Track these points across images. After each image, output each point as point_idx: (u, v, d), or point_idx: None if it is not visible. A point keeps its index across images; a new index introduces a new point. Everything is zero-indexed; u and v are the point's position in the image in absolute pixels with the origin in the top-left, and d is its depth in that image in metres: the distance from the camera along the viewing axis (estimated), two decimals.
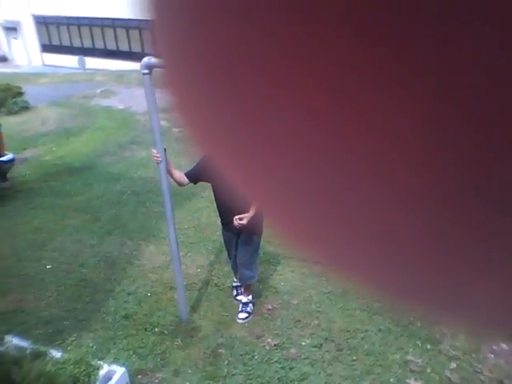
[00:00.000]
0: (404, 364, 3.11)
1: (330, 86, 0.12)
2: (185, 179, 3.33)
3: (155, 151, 3.19)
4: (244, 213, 3.35)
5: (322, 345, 3.35)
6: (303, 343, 3.38)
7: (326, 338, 3.41)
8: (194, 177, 3.33)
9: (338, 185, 0.13)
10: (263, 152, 0.14)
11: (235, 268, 3.73)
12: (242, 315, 3.68)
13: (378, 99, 0.11)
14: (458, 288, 0.15)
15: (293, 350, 3.32)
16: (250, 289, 3.74)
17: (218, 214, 3.57)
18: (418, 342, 3.30)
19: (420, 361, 3.12)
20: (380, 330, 3.44)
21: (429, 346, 3.26)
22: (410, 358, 3.16)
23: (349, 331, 3.46)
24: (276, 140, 0.14)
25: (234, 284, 3.94)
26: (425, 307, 0.18)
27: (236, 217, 3.25)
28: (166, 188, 3.31)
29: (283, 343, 3.39)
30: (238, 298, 3.82)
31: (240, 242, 3.57)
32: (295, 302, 3.83)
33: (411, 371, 3.04)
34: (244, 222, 3.25)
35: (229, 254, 3.77)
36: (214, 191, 3.43)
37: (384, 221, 0.14)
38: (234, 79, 0.13)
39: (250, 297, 3.75)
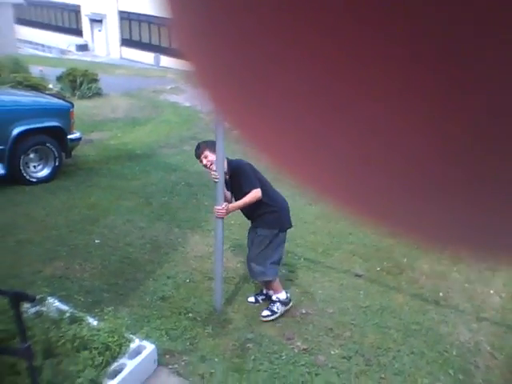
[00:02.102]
0: None
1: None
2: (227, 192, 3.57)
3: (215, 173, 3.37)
4: (257, 221, 3.56)
5: (351, 357, 3.29)
6: (332, 352, 3.34)
7: (357, 352, 3.35)
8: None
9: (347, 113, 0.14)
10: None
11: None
12: (265, 312, 3.68)
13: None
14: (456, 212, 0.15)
15: (321, 357, 3.28)
16: (272, 286, 3.69)
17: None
18: (451, 371, 3.17)
19: None
20: (412, 352, 3.34)
21: (461, 377, 3.13)
22: None
23: (380, 348, 3.39)
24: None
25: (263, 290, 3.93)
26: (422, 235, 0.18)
27: (215, 207, 3.46)
28: (221, 182, 3.39)
29: (312, 349, 3.36)
30: (265, 292, 3.82)
31: (249, 236, 3.72)
32: (330, 311, 3.79)
33: None
34: (222, 211, 3.42)
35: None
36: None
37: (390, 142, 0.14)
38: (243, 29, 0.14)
39: (279, 295, 3.70)
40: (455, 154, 0.13)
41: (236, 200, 3.55)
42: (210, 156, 3.40)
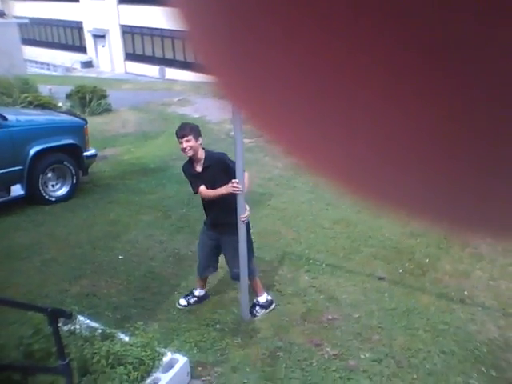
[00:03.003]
0: None
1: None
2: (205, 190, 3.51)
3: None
4: (230, 222, 3.51)
5: (381, 360, 3.31)
6: (362, 356, 3.36)
7: (387, 354, 3.37)
8: (197, 189, 3.52)
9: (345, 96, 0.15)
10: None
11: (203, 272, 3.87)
12: (256, 310, 3.82)
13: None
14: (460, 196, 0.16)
15: (352, 362, 3.30)
16: (257, 286, 3.84)
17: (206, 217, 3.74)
18: (483, 368, 3.18)
19: None
20: (443, 352, 3.35)
21: (494, 374, 3.14)
22: (473, 382, 3.06)
23: (410, 350, 3.40)
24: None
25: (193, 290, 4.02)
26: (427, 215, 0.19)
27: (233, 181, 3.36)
28: (241, 193, 3.43)
29: (342, 354, 3.38)
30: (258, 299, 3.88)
31: (226, 244, 3.69)
32: (356, 316, 3.81)
33: None
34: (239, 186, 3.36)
35: (200, 259, 3.88)
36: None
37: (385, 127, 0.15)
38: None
39: (259, 298, 3.85)
40: (453, 144, 0.14)
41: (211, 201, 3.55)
42: (191, 141, 3.35)
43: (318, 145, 0.17)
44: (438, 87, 0.13)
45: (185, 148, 3.37)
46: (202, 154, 3.44)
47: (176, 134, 3.44)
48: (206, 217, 3.76)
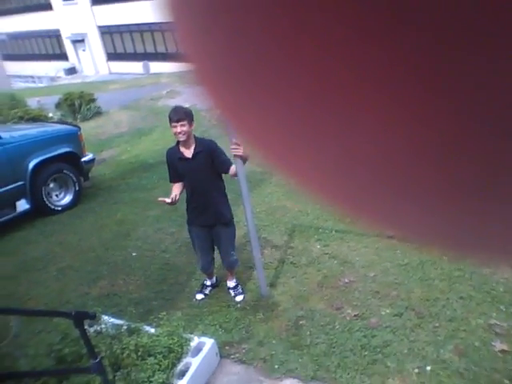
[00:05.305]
0: (488, 328, 3.08)
1: None
2: (176, 187, 3.51)
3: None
4: (220, 210, 3.54)
5: (402, 314, 3.38)
6: (383, 313, 3.42)
7: (407, 307, 3.43)
8: (175, 178, 3.54)
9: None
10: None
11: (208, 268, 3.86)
12: (239, 298, 3.85)
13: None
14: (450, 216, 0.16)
15: (373, 320, 3.37)
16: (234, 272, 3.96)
17: (188, 213, 3.72)
18: (502, 307, 3.25)
19: (505, 324, 3.08)
20: (461, 298, 3.42)
21: None
22: (494, 321, 3.12)
23: (429, 300, 3.46)
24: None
25: (204, 282, 4.04)
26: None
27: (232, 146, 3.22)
28: (242, 173, 3.41)
29: (363, 313, 3.45)
30: (229, 285, 3.94)
31: (220, 233, 3.66)
32: (372, 275, 3.87)
33: (496, 334, 3.01)
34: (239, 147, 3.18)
35: (202, 255, 3.79)
36: (187, 187, 3.55)
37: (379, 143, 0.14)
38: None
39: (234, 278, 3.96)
40: (436, 157, 0.14)
41: (206, 179, 3.47)
42: (186, 126, 3.29)
43: (303, 156, 0.17)
44: (436, 110, 0.12)
45: (179, 132, 3.29)
46: (192, 140, 3.40)
47: (170, 117, 3.33)
48: (189, 215, 3.71)
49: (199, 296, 3.95)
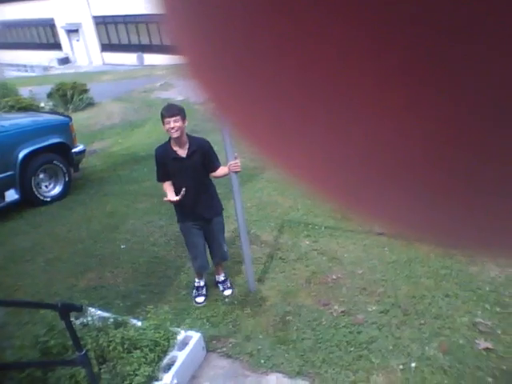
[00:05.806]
0: (473, 326, 3.11)
1: None
2: (170, 185, 3.46)
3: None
4: (211, 203, 3.55)
5: (388, 310, 3.40)
6: (370, 309, 3.44)
7: (393, 304, 3.45)
8: (164, 177, 3.45)
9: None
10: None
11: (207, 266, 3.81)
12: (228, 292, 3.86)
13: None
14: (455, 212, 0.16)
15: (360, 316, 3.39)
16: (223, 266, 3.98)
17: (179, 211, 3.63)
18: (487, 306, 3.27)
19: (490, 323, 3.11)
20: (447, 296, 3.44)
21: (498, 309, 3.23)
22: (478, 320, 3.15)
23: (415, 297, 3.49)
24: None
25: (197, 284, 3.90)
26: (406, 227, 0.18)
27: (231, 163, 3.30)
28: (235, 178, 3.43)
29: (350, 310, 3.47)
30: (218, 279, 3.94)
31: (212, 226, 3.65)
32: (359, 272, 3.89)
33: (480, 332, 3.04)
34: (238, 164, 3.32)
35: (199, 252, 3.71)
36: (176, 185, 3.43)
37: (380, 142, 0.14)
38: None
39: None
40: (445, 159, 0.13)
41: (198, 177, 3.43)
42: (179, 122, 3.21)
43: (297, 149, 0.17)
44: (432, 97, 0.12)
45: (173, 128, 3.19)
46: (185, 138, 3.33)
47: (162, 114, 3.25)
48: (180, 212, 3.63)
49: (200, 299, 3.81)
